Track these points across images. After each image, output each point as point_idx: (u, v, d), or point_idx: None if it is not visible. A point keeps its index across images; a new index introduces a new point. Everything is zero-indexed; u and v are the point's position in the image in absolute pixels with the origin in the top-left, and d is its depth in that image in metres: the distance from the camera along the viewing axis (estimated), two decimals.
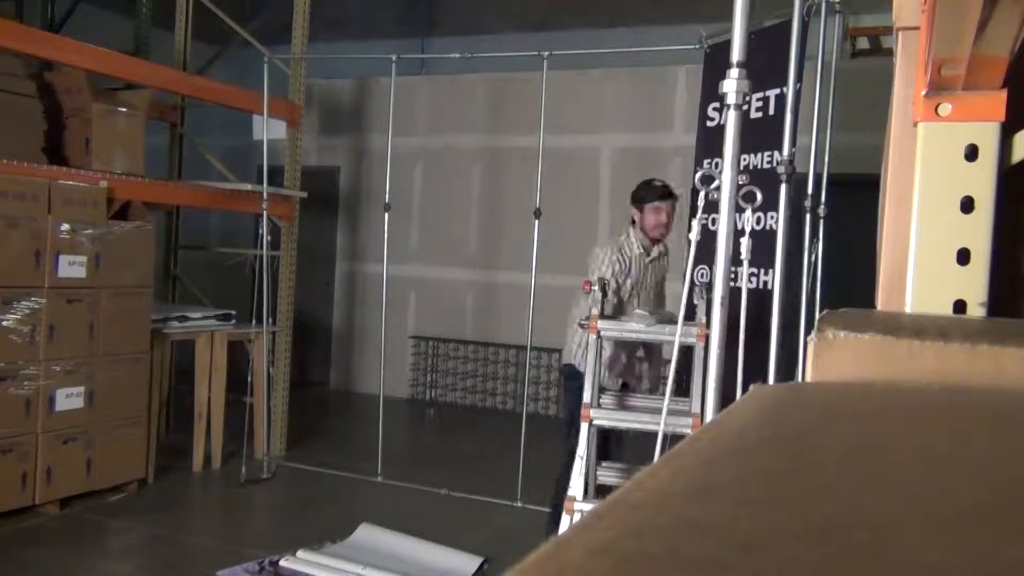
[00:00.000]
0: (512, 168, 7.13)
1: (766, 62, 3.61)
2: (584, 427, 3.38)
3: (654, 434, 2.90)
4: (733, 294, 2.40)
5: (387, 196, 5.10)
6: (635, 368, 3.86)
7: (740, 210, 2.43)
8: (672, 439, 2.84)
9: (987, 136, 0.82)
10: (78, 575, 3.53)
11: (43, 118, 4.50)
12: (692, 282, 2.77)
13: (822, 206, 3.75)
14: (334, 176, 7.92)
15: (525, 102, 6.57)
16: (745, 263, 2.75)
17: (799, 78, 3.32)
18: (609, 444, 3.80)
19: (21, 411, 3.95)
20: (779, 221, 3.05)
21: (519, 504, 4.49)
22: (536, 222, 4.75)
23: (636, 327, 3.38)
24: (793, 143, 3.24)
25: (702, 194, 2.52)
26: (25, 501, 3.97)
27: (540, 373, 7.07)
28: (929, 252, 0.84)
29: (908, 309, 0.85)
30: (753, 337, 2.90)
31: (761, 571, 0.24)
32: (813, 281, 3.66)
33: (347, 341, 7.95)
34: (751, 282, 3.81)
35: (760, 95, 3.85)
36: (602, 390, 3.50)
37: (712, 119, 4.36)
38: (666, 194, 3.69)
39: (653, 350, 3.96)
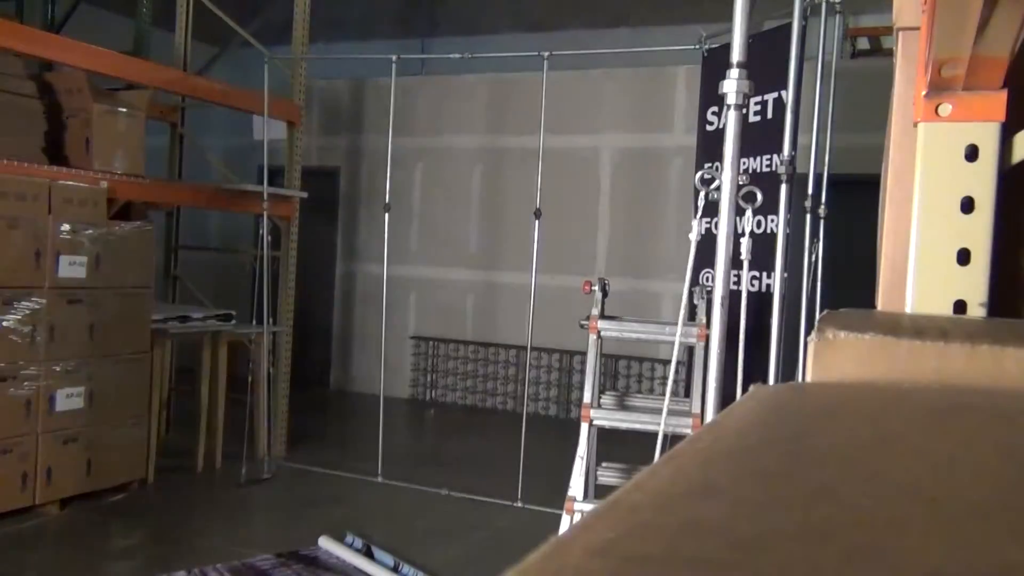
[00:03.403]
0: (512, 168, 7.13)
1: (764, 66, 3.62)
2: (584, 427, 3.38)
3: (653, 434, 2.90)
4: (733, 297, 2.40)
5: (387, 196, 5.10)
6: None
7: (740, 212, 2.43)
8: (672, 439, 2.84)
9: (987, 136, 0.82)
10: (78, 575, 3.53)
11: (43, 118, 4.50)
12: (693, 283, 2.77)
13: (822, 206, 3.76)
14: (334, 176, 7.92)
15: (525, 102, 6.57)
16: (745, 264, 2.75)
17: (799, 79, 3.32)
18: None
19: (21, 411, 3.95)
20: (779, 222, 3.05)
21: (519, 504, 4.50)
22: (536, 222, 4.75)
23: (637, 327, 3.39)
24: (794, 144, 3.24)
25: (702, 195, 2.52)
26: (25, 501, 3.97)
27: (540, 373, 7.07)
28: (929, 252, 0.84)
29: (908, 309, 0.85)
30: (754, 340, 2.90)
31: (761, 571, 0.24)
32: (813, 281, 3.67)
33: (347, 341, 7.95)
34: (752, 285, 3.81)
35: (758, 99, 3.85)
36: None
37: (711, 123, 4.36)
38: None
39: None
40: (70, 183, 4.20)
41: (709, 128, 4.37)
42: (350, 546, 3.78)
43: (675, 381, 2.85)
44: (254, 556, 3.60)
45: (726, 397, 2.25)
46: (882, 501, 0.31)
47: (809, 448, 0.39)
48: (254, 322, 5.09)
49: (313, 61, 6.03)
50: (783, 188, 3.11)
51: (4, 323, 3.87)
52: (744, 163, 3.81)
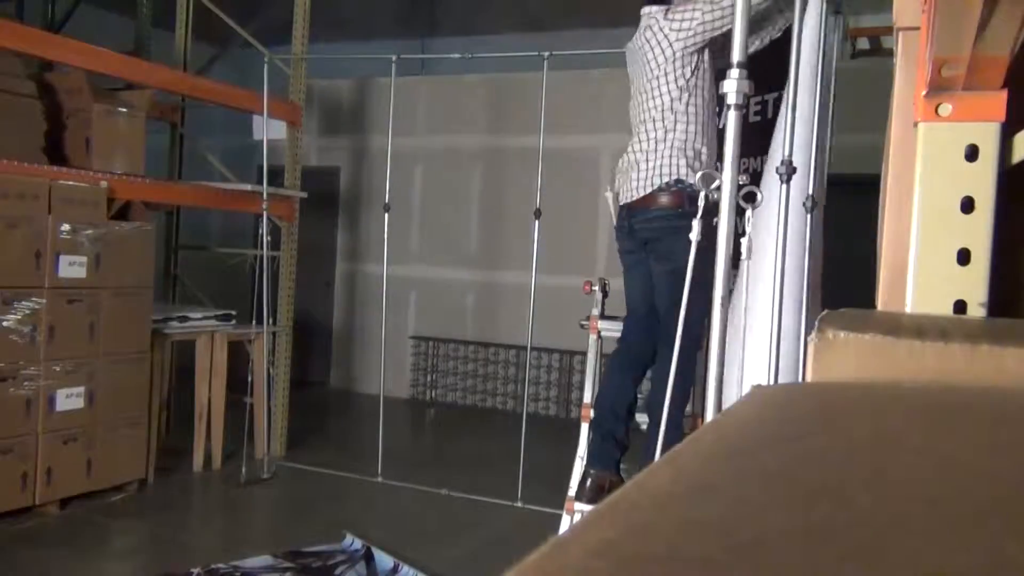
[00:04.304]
0: (512, 168, 7.13)
1: (765, 65, 3.61)
2: (584, 427, 3.38)
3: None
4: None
5: (387, 196, 5.10)
6: None
7: (740, 212, 2.43)
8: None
9: (987, 136, 0.82)
10: (78, 575, 3.53)
11: (43, 118, 4.50)
12: None
13: None
14: (334, 176, 7.92)
15: (525, 102, 6.57)
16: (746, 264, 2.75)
17: (799, 79, 3.31)
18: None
19: (21, 411, 3.95)
20: (779, 222, 3.05)
21: (519, 504, 4.49)
22: (536, 222, 4.75)
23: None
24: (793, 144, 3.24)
25: (702, 195, 2.52)
26: (25, 501, 3.97)
27: (540, 373, 7.07)
28: (929, 252, 0.84)
29: (908, 309, 0.85)
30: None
31: (761, 571, 0.24)
32: None
33: (347, 341, 7.95)
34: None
35: (758, 99, 3.84)
36: None
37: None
38: None
39: None
40: (70, 183, 4.20)
41: None
42: (349, 547, 3.78)
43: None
44: (254, 556, 3.60)
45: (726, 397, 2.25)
46: (882, 501, 0.31)
47: (809, 448, 0.39)
48: (254, 322, 5.09)
49: (313, 61, 6.02)
50: (783, 188, 3.11)
51: (4, 323, 3.87)
52: (744, 163, 3.80)
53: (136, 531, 4.07)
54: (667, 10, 3.14)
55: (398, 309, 7.22)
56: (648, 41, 3.16)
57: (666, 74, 3.10)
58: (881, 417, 0.47)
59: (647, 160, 3.11)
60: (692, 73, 3.08)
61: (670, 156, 3.06)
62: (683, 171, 3.05)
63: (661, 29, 3.12)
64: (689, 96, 3.08)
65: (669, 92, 3.09)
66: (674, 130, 3.07)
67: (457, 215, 7.50)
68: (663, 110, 3.09)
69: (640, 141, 3.16)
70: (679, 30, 3.07)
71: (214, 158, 6.15)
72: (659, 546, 0.26)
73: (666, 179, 3.06)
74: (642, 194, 3.10)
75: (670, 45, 3.09)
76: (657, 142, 3.09)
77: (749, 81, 2.21)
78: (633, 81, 3.27)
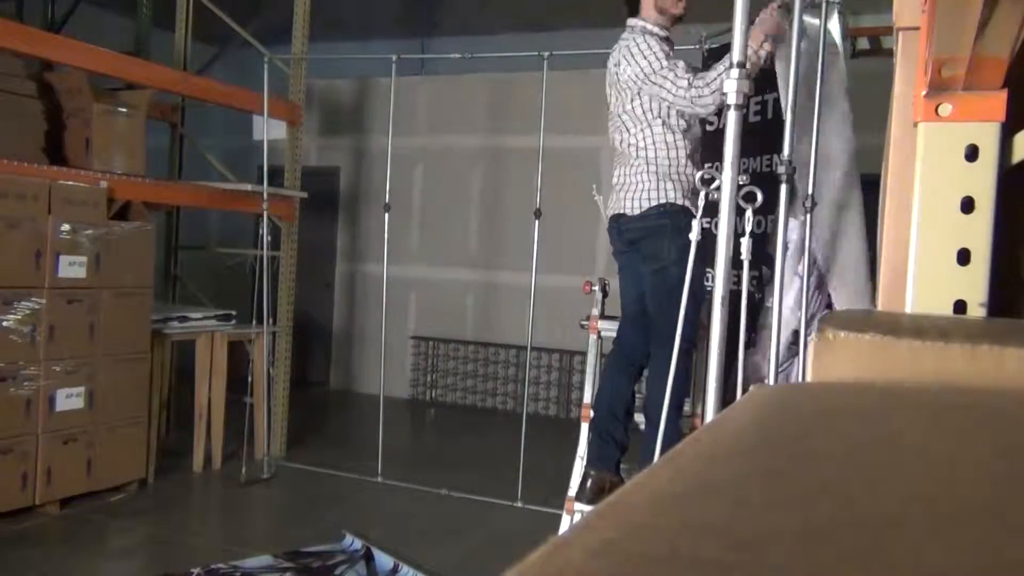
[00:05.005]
0: (512, 168, 7.13)
1: (764, 66, 3.60)
2: (584, 427, 3.38)
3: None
4: (733, 296, 2.40)
5: (387, 196, 5.10)
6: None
7: (740, 212, 2.43)
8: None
9: (987, 136, 0.82)
10: (78, 575, 3.53)
11: (43, 118, 4.50)
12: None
13: None
14: (334, 176, 7.92)
15: (525, 102, 6.57)
16: (746, 264, 2.75)
17: (798, 78, 3.31)
18: None
19: (21, 411, 3.95)
20: (779, 222, 3.05)
21: (519, 504, 4.50)
22: (536, 222, 4.75)
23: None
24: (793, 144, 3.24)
25: (702, 195, 2.53)
26: (25, 501, 3.96)
27: (540, 373, 7.06)
28: (929, 252, 0.84)
29: (908, 309, 0.85)
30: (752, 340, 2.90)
31: (761, 571, 0.24)
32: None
33: (347, 341, 7.95)
34: (752, 285, 3.81)
35: (758, 99, 3.84)
36: None
37: (712, 123, 4.35)
38: None
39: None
40: (70, 183, 4.20)
41: (709, 128, 4.37)
42: (349, 547, 3.78)
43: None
44: (254, 556, 3.60)
45: (726, 397, 2.25)
46: (882, 501, 0.31)
47: (809, 448, 0.39)
48: (254, 322, 5.09)
49: (313, 61, 6.02)
50: (783, 188, 3.11)
51: (4, 323, 3.87)
52: (744, 163, 3.80)
53: (136, 531, 4.07)
54: (639, 36, 3.14)
55: (398, 309, 7.22)
56: (618, 64, 3.18)
57: (627, 102, 3.13)
58: (881, 417, 0.47)
59: (634, 184, 3.14)
60: (650, 106, 3.10)
61: (658, 180, 3.08)
62: (672, 195, 3.07)
63: (624, 58, 3.14)
64: (662, 125, 3.09)
65: (637, 121, 3.12)
66: (655, 159, 3.09)
67: (457, 215, 7.50)
68: (641, 137, 3.13)
69: (630, 163, 3.17)
70: (630, 78, 3.10)
71: (214, 158, 6.14)
72: (659, 546, 0.26)
73: (654, 203, 3.08)
74: (634, 215, 3.13)
75: (624, 82, 3.13)
76: (647, 163, 3.11)
77: (749, 81, 2.21)
78: (609, 102, 3.29)
